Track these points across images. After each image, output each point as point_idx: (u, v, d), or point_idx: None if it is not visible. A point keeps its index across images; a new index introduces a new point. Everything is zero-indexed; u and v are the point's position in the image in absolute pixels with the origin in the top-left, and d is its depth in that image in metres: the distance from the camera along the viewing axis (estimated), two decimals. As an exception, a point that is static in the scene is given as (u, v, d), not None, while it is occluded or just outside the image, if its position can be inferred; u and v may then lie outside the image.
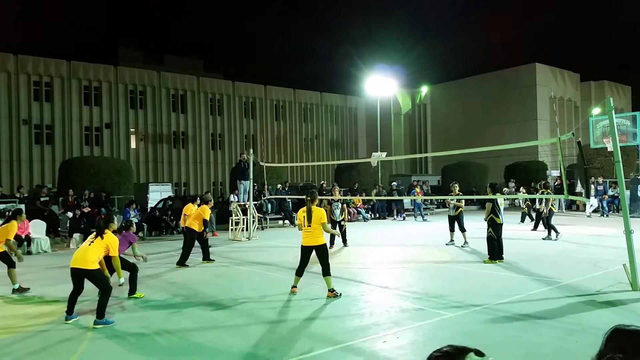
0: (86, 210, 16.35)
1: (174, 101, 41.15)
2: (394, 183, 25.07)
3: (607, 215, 20.89)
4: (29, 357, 5.19)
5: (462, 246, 12.37)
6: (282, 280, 8.68)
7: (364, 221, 21.55)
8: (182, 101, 41.59)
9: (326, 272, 7.42)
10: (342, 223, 13.28)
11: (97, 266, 6.49)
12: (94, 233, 6.69)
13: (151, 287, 8.58)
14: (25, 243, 13.31)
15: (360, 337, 5.50)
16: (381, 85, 32.87)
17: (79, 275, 6.42)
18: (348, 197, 19.61)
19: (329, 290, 7.39)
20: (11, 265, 8.45)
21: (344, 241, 13.24)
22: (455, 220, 12.64)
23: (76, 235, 14.91)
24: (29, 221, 13.93)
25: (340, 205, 13.38)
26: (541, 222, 15.00)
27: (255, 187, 18.14)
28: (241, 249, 13.09)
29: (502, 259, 10.09)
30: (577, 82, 49.02)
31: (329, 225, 7.98)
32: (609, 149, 19.18)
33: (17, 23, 67.07)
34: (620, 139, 14.50)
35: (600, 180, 22.23)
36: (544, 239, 13.40)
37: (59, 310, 7.11)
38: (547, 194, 14.13)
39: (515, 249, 12.05)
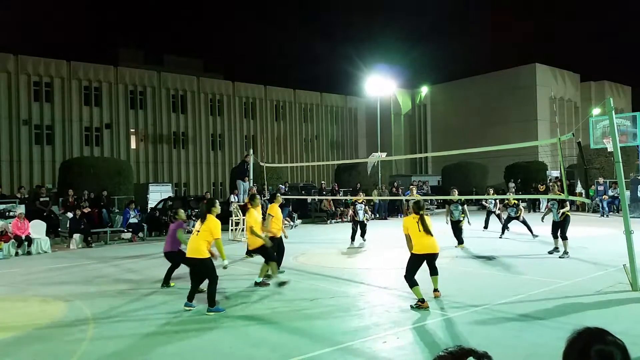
0: (86, 210, 16.34)
1: (174, 101, 41.16)
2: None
3: (607, 216, 20.89)
4: (29, 357, 5.19)
5: (560, 256, 10.54)
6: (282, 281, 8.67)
7: (366, 221, 21.50)
8: (182, 101, 41.61)
9: (435, 272, 7.18)
10: (365, 222, 14.20)
11: (208, 255, 6.80)
12: (199, 220, 7.01)
13: (151, 288, 8.58)
14: (26, 243, 13.31)
15: (360, 337, 5.50)
16: (381, 86, 32.86)
17: (192, 265, 6.91)
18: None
19: (435, 289, 7.16)
20: None
21: (362, 235, 14.19)
22: (559, 226, 10.86)
23: (76, 236, 14.91)
24: (29, 222, 13.94)
25: (364, 206, 14.43)
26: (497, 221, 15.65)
27: (255, 188, 18.13)
28: (241, 250, 13.08)
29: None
30: (577, 82, 49.01)
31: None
32: (609, 150, 19.17)
33: (17, 23, 67.10)
34: (621, 140, 14.49)
35: (601, 180, 22.24)
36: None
37: (59, 310, 7.12)
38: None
39: (514, 250, 12.06)
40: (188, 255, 6.87)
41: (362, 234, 14.10)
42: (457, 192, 12.99)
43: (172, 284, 8.55)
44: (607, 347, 1.43)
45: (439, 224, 16.39)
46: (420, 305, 6.57)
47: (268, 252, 8.25)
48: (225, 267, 6.94)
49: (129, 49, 45.50)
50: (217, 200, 7.35)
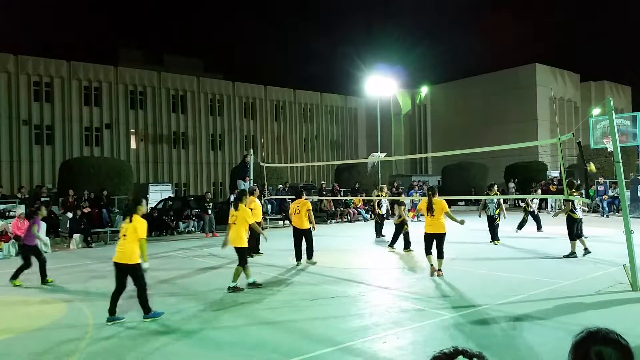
0: (86, 210, 16.34)
1: (174, 101, 41.16)
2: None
3: (607, 216, 20.89)
4: (29, 357, 5.19)
5: (564, 256, 10.65)
6: (282, 281, 8.67)
7: (364, 221, 21.57)
8: (182, 101, 41.61)
9: (440, 255, 8.66)
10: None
11: (139, 260, 6.35)
12: (125, 220, 6.50)
13: (151, 288, 8.57)
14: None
15: (360, 337, 5.50)
16: (381, 86, 32.83)
17: (123, 271, 6.37)
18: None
19: (438, 269, 8.66)
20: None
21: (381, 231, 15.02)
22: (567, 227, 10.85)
23: (76, 236, 14.90)
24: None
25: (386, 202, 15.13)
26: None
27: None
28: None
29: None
30: (577, 82, 49.03)
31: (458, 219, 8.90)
32: (609, 150, 19.18)
33: (17, 23, 67.10)
34: (620, 139, 14.49)
35: (601, 180, 22.25)
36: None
37: (59, 310, 7.11)
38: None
39: (515, 250, 12.05)
40: (117, 261, 6.35)
41: (381, 230, 14.86)
42: (496, 188, 13.17)
43: (18, 283, 8.65)
44: (606, 348, 1.43)
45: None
46: (432, 268, 8.72)
47: (245, 254, 8.30)
48: (145, 270, 6.45)
49: (129, 49, 45.52)
50: (143, 200, 6.94)
